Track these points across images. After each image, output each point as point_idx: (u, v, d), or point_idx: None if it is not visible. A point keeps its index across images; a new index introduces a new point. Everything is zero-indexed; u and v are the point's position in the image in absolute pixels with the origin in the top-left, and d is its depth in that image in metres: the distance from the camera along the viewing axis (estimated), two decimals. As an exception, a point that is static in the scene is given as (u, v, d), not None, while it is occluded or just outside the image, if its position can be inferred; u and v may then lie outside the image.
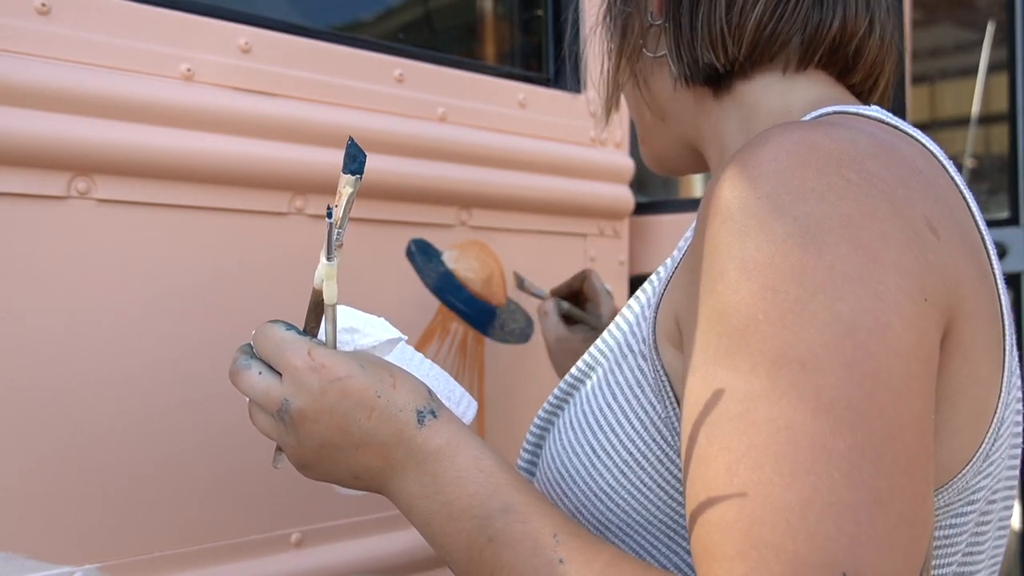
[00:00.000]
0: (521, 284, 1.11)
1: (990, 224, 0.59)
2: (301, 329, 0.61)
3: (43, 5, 0.79)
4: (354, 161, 0.56)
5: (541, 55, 1.33)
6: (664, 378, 0.60)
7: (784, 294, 0.47)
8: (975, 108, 2.87)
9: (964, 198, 0.57)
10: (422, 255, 1.04)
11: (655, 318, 0.62)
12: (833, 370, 0.45)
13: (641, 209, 1.41)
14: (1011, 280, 1.94)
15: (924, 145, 0.58)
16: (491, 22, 1.42)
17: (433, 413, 0.59)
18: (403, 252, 1.04)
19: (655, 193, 1.72)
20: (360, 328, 0.63)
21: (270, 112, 0.93)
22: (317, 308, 0.60)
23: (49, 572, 0.80)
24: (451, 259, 1.06)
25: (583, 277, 1.10)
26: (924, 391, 0.47)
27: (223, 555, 0.91)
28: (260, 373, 0.60)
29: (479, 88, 1.15)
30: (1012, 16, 2.06)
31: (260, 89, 0.93)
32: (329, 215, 0.56)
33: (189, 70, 0.88)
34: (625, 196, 1.34)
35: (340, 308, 0.62)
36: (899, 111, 0.62)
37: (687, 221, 1.44)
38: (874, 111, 0.60)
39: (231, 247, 0.92)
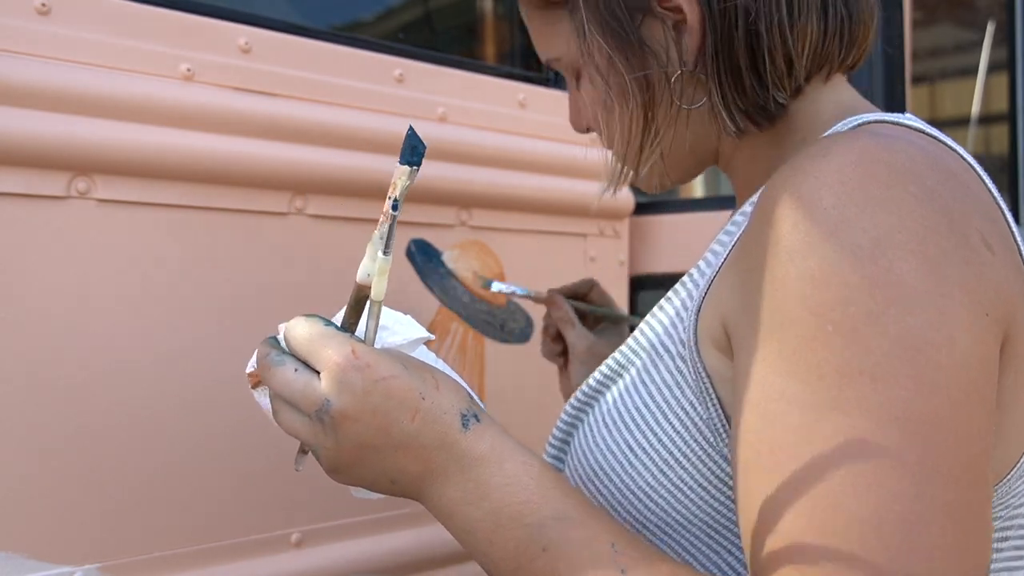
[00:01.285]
0: (487, 285, 1.04)
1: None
2: (338, 324, 0.59)
3: (43, 5, 0.79)
4: (414, 152, 0.53)
5: (541, 55, 1.33)
6: (707, 380, 0.60)
7: (856, 306, 0.47)
8: (975, 108, 2.87)
9: (1000, 209, 0.58)
10: (422, 255, 1.04)
11: (696, 320, 0.61)
12: (902, 383, 0.46)
13: (641, 209, 1.41)
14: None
15: (961, 156, 0.59)
16: (491, 22, 1.42)
17: (476, 417, 0.57)
18: (403, 252, 1.04)
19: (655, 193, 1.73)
20: (389, 325, 0.61)
21: (270, 112, 0.93)
22: (359, 304, 0.58)
23: (49, 572, 0.80)
24: (451, 259, 1.06)
25: (591, 284, 1.00)
26: (986, 404, 0.48)
27: (223, 555, 0.91)
28: (296, 370, 0.56)
29: (479, 88, 1.15)
30: (1012, 16, 2.06)
31: (260, 89, 0.93)
32: (394, 207, 0.54)
33: (189, 70, 0.88)
34: (625, 196, 1.34)
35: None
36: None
37: (687, 221, 1.44)
38: (910, 120, 0.60)
39: (231, 247, 0.92)
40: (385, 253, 0.55)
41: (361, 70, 1.02)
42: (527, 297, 1.00)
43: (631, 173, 0.70)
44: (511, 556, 0.54)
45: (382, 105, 1.03)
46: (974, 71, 2.85)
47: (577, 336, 0.95)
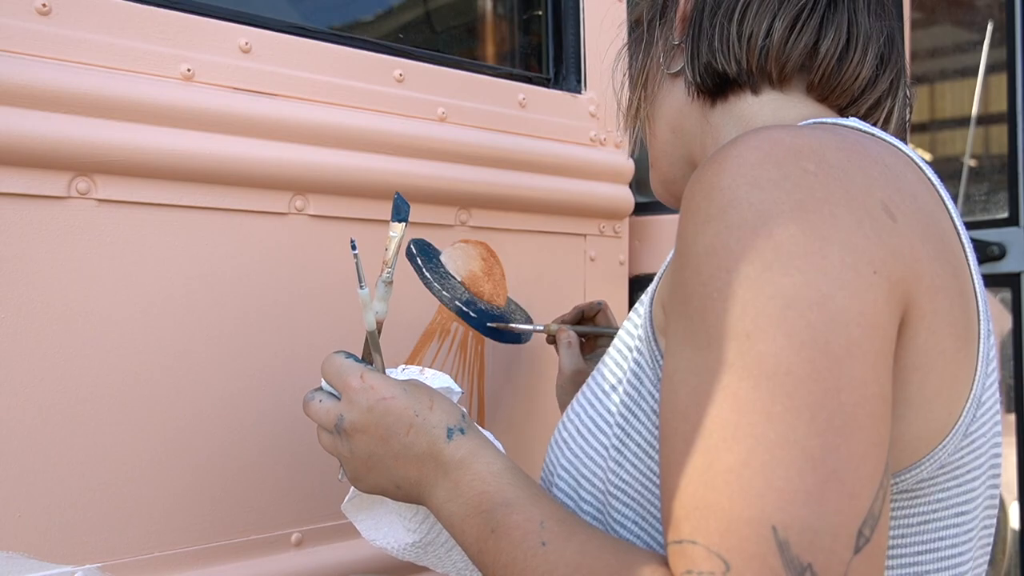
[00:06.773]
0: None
1: (990, 224, 0.62)
2: (359, 357, 0.72)
3: (43, 5, 0.79)
4: (400, 212, 0.70)
5: (541, 55, 1.33)
6: (662, 365, 0.63)
7: (735, 273, 0.51)
8: (975, 108, 2.87)
9: (941, 199, 0.61)
10: (422, 255, 1.04)
11: (651, 311, 0.66)
12: (775, 339, 0.48)
13: (641, 209, 1.41)
14: (1011, 280, 1.94)
15: (900, 149, 0.61)
16: (491, 22, 1.42)
17: (462, 431, 0.68)
18: (403, 252, 1.04)
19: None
20: (428, 379, 0.75)
21: (270, 112, 0.93)
22: (367, 339, 0.72)
23: (49, 572, 0.80)
24: (450, 259, 1.06)
25: (598, 308, 1.10)
26: (867, 356, 0.49)
27: (223, 555, 0.91)
28: (320, 400, 0.71)
29: (479, 88, 1.15)
30: (1012, 16, 2.06)
31: (260, 89, 0.93)
32: (353, 247, 0.68)
33: (189, 70, 0.88)
34: (625, 196, 1.34)
35: (426, 370, 0.75)
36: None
37: (687, 221, 1.44)
38: (852, 121, 0.64)
39: (231, 247, 0.92)
40: (361, 287, 0.69)
41: (361, 70, 1.02)
42: (540, 331, 1.06)
43: (632, 140, 0.84)
44: (474, 540, 0.63)
45: (382, 105, 1.03)
46: (974, 71, 2.85)
47: (567, 357, 1.04)
